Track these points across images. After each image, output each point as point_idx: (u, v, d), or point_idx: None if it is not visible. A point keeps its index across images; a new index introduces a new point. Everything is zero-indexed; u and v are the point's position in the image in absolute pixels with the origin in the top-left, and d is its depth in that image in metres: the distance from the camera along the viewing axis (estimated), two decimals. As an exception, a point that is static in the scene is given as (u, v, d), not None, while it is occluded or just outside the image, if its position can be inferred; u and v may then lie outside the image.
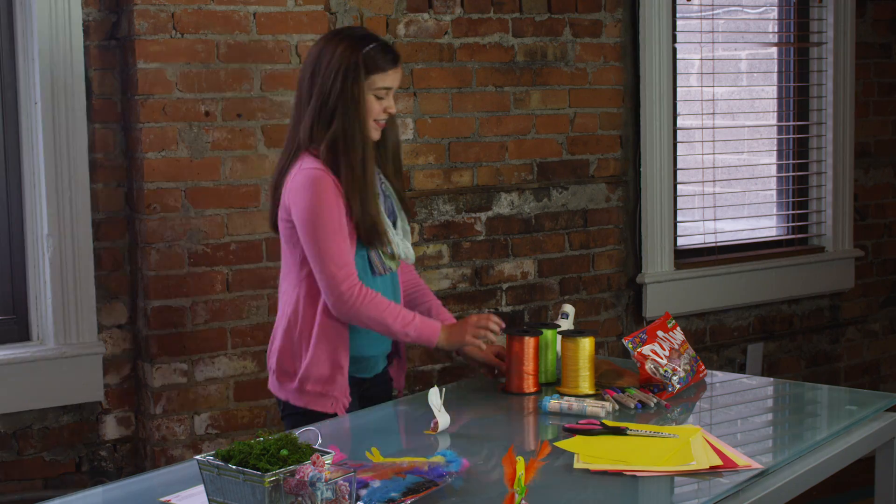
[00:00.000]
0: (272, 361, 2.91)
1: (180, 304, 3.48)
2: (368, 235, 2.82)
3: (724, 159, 4.82)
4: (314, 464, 1.99)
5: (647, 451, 2.40)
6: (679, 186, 4.63)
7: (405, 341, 2.87)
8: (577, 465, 2.33)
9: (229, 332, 3.57)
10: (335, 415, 2.82)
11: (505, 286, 4.17)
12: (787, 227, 5.05)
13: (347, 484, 1.98)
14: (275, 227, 2.92)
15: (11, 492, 3.38)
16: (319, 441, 2.19)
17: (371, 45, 2.83)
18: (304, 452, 2.05)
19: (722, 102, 4.85)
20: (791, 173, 5.03)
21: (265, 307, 3.61)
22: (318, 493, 1.95)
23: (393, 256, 2.89)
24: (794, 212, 5.03)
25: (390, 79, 2.86)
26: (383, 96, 2.86)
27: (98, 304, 3.47)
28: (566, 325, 3.16)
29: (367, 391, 2.97)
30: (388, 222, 2.89)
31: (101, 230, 3.49)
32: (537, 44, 4.19)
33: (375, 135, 2.88)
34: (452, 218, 4.04)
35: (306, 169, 2.79)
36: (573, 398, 2.78)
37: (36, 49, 3.32)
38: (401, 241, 2.92)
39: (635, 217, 4.47)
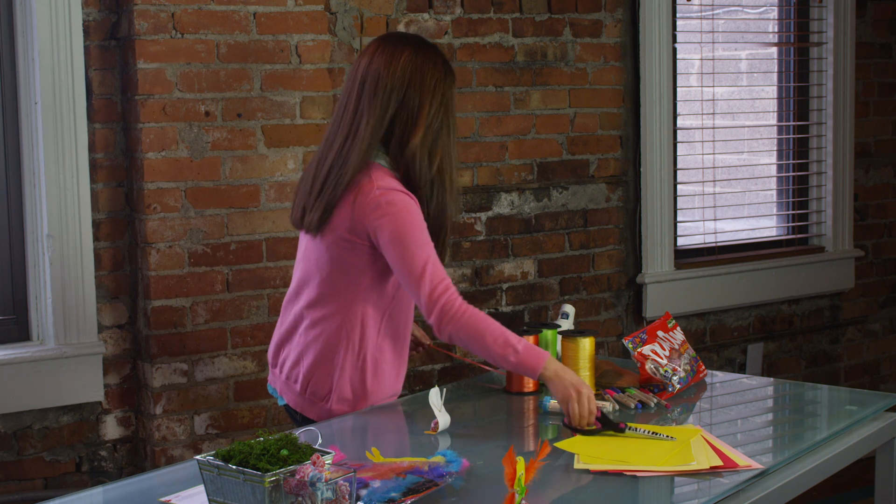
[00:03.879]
0: (323, 388, 2.78)
1: (180, 304, 3.48)
2: (444, 249, 2.79)
3: (724, 159, 4.82)
4: (314, 464, 1.99)
5: (647, 451, 2.40)
6: (679, 186, 4.63)
7: (502, 365, 2.66)
8: (577, 466, 2.33)
9: (229, 332, 3.57)
10: None
11: (505, 286, 4.17)
12: (787, 227, 5.05)
13: (347, 484, 1.98)
14: (306, 224, 2.78)
15: (11, 492, 3.38)
16: (319, 441, 2.19)
17: (450, 65, 2.83)
18: (304, 452, 2.05)
19: (722, 102, 4.85)
20: (791, 173, 5.03)
21: (265, 307, 3.61)
22: (318, 493, 1.95)
23: None
24: (794, 212, 5.03)
25: None
26: None
27: (98, 304, 3.47)
28: (566, 325, 3.16)
29: None
30: None
31: (101, 230, 3.49)
32: (537, 44, 4.19)
33: None
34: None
35: (393, 190, 2.67)
36: (573, 398, 2.77)
37: (36, 49, 3.32)
38: None
39: (635, 217, 4.47)
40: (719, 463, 2.33)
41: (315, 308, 2.78)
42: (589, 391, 2.58)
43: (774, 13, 5.03)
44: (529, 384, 2.95)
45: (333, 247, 2.72)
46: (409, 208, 2.66)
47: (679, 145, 4.61)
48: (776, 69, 5.04)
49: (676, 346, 2.99)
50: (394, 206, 2.65)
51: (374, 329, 2.75)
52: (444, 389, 2.68)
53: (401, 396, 3.01)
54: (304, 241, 2.85)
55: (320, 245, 2.76)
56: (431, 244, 2.68)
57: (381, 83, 2.72)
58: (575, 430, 2.55)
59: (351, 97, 2.77)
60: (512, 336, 2.63)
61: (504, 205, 4.16)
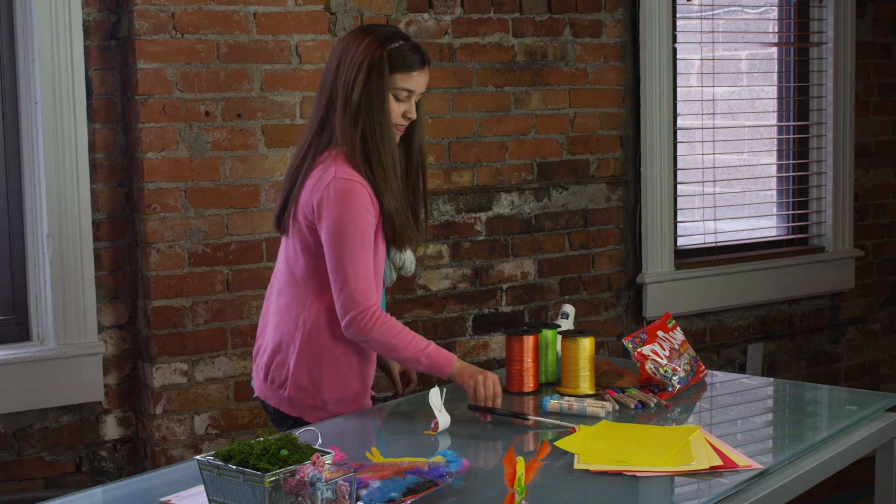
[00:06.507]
0: (281, 374, 2.76)
1: (180, 304, 3.48)
2: (398, 239, 2.73)
3: (724, 159, 4.82)
4: (314, 464, 1.99)
5: (647, 451, 2.40)
6: (679, 186, 4.63)
7: (416, 369, 2.74)
8: (577, 466, 2.33)
9: (229, 332, 3.57)
10: None
11: (505, 286, 4.17)
12: (787, 227, 5.05)
13: (347, 484, 1.98)
14: (279, 225, 2.79)
15: (11, 492, 3.38)
16: (319, 441, 2.19)
17: (398, 43, 2.71)
18: (304, 452, 2.05)
19: (722, 102, 4.85)
20: (791, 173, 5.03)
21: (265, 307, 3.61)
22: (318, 493, 1.95)
23: (400, 268, 2.82)
24: (794, 212, 5.03)
25: (413, 81, 2.72)
26: (403, 98, 2.72)
27: (98, 304, 3.47)
28: (566, 325, 3.16)
29: None
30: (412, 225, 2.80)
31: (101, 230, 3.49)
32: (537, 44, 4.19)
33: (394, 139, 2.76)
34: (452, 218, 4.04)
35: (343, 179, 2.65)
36: (573, 398, 2.78)
37: (36, 49, 3.32)
38: (410, 252, 2.84)
39: (635, 217, 4.47)
40: (719, 463, 2.33)
41: (280, 297, 2.79)
42: (493, 376, 2.71)
43: (774, 13, 5.03)
44: (530, 384, 2.95)
45: (299, 235, 2.72)
46: (354, 203, 2.64)
47: (679, 145, 4.61)
48: (776, 69, 5.04)
49: (676, 346, 2.99)
50: (341, 196, 2.64)
51: (330, 321, 2.71)
52: (444, 389, 2.68)
53: (400, 396, 3.01)
54: (282, 241, 2.85)
55: (290, 239, 2.77)
56: (366, 248, 2.65)
57: (324, 70, 2.77)
58: (479, 409, 2.69)
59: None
60: (421, 343, 2.69)
61: (504, 205, 4.16)
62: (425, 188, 2.88)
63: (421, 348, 2.69)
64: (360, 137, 2.69)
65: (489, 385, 2.70)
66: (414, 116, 2.77)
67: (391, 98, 2.71)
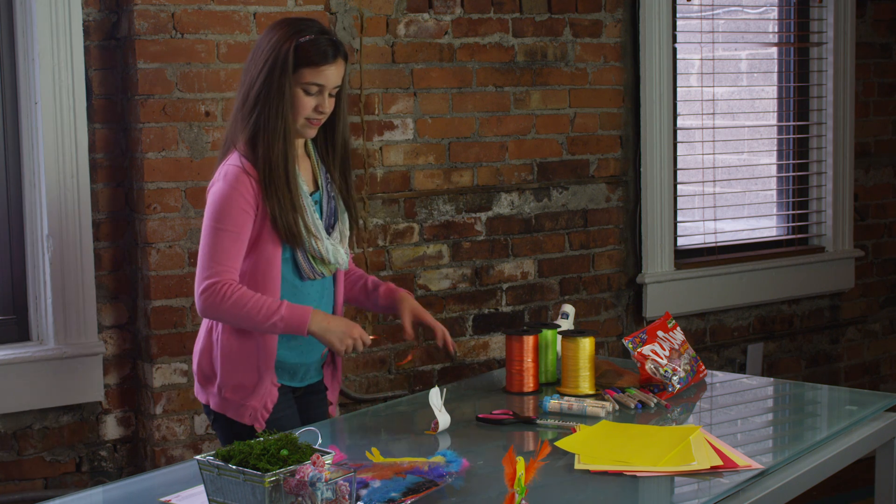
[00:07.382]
0: (194, 363, 2.79)
1: (180, 304, 3.48)
2: (287, 236, 2.66)
3: (724, 159, 4.82)
4: (314, 464, 1.99)
5: (647, 451, 2.40)
6: (679, 186, 4.63)
7: (277, 333, 2.65)
8: (577, 466, 2.33)
9: (229, 332, 3.57)
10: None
11: (505, 286, 4.17)
12: (787, 227, 5.05)
13: (347, 484, 1.98)
14: None
15: (11, 492, 3.38)
16: (319, 441, 2.19)
17: (308, 37, 2.64)
18: (304, 452, 2.05)
19: (722, 102, 4.85)
20: (791, 173, 5.03)
21: (265, 307, 3.60)
22: (318, 493, 1.95)
23: (325, 261, 2.73)
24: (794, 212, 5.03)
25: (323, 76, 2.65)
26: (313, 92, 2.65)
27: (98, 304, 3.47)
28: (566, 325, 3.16)
29: (299, 400, 2.84)
30: (317, 225, 2.72)
31: (101, 230, 3.49)
32: (537, 44, 4.19)
33: (308, 133, 2.71)
34: (452, 218, 4.04)
35: (231, 165, 2.65)
36: (573, 398, 2.78)
37: (36, 49, 3.32)
38: (332, 245, 2.73)
39: (635, 217, 4.47)
40: (719, 463, 2.33)
41: None
42: (358, 332, 2.66)
43: (774, 13, 5.03)
44: (530, 384, 2.95)
45: None
46: (230, 187, 2.62)
47: (679, 145, 4.61)
48: (776, 69, 5.04)
49: (676, 346, 2.99)
50: (219, 179, 2.67)
51: None
52: (444, 389, 2.68)
53: (400, 397, 3.01)
54: None
55: None
56: (232, 230, 2.62)
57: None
58: (487, 420, 2.71)
59: None
60: (272, 306, 2.60)
61: (504, 205, 4.16)
62: (351, 183, 2.84)
63: (274, 310, 2.61)
64: (251, 131, 2.66)
65: (359, 346, 2.67)
66: (327, 111, 2.71)
67: (300, 93, 2.66)
